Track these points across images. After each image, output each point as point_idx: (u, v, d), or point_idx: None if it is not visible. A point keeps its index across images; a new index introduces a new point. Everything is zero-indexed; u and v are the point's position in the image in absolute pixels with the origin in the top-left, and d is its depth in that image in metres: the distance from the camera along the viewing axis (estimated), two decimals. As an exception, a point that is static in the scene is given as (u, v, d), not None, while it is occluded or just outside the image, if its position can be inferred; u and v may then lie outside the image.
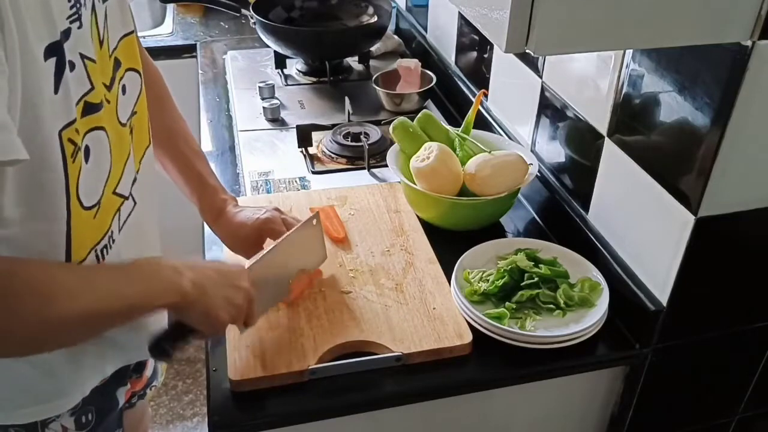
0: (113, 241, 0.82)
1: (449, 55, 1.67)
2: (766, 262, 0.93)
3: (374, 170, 1.38)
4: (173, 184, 1.04)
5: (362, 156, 1.38)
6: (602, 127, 1.02)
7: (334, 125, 1.48)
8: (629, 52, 0.93)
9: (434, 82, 1.61)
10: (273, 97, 1.63)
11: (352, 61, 1.87)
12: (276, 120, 1.56)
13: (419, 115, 1.24)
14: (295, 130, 1.43)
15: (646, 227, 0.94)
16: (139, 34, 0.89)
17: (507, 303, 0.97)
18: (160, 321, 0.85)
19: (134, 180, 0.86)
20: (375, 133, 1.44)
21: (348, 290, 1.01)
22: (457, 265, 1.02)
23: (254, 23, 1.71)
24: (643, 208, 0.94)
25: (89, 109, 0.72)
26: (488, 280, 1.00)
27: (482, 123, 1.38)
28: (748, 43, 0.71)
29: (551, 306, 0.97)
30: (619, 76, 0.96)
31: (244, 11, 1.78)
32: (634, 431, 1.06)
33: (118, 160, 0.80)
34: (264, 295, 0.88)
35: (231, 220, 1.01)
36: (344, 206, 1.21)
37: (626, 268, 0.99)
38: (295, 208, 1.19)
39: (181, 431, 1.97)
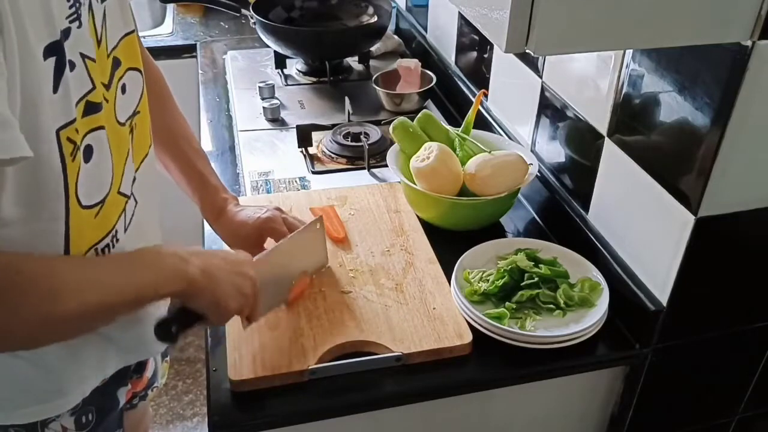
0: (117, 240, 0.82)
1: (449, 55, 1.67)
2: (766, 262, 0.93)
3: (374, 170, 1.38)
4: (173, 183, 1.04)
5: (362, 156, 1.38)
6: (602, 127, 1.02)
7: (334, 125, 1.48)
8: (629, 52, 0.93)
9: (434, 82, 1.61)
10: (273, 97, 1.63)
11: (352, 61, 1.87)
12: (276, 120, 1.56)
13: (419, 115, 1.24)
14: (295, 130, 1.43)
15: (646, 227, 0.94)
16: (140, 34, 0.89)
17: (507, 303, 0.97)
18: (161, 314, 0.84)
19: (134, 179, 0.86)
20: (375, 133, 1.44)
21: (348, 290, 1.01)
22: (457, 265, 1.02)
23: (254, 23, 1.71)
24: (643, 208, 0.94)
25: (90, 108, 0.72)
26: (488, 280, 1.00)
27: (482, 123, 1.38)
28: (748, 43, 0.71)
29: (551, 306, 0.97)
30: (619, 76, 0.96)
31: (244, 11, 1.78)
32: (634, 431, 1.06)
33: (118, 160, 0.80)
34: (266, 295, 0.88)
35: (232, 220, 1.01)
36: (344, 206, 1.21)
37: (626, 268, 0.99)
38: (295, 208, 1.19)
39: (181, 431, 1.98)
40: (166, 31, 2.09)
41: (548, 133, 1.20)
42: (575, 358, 0.93)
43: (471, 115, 1.26)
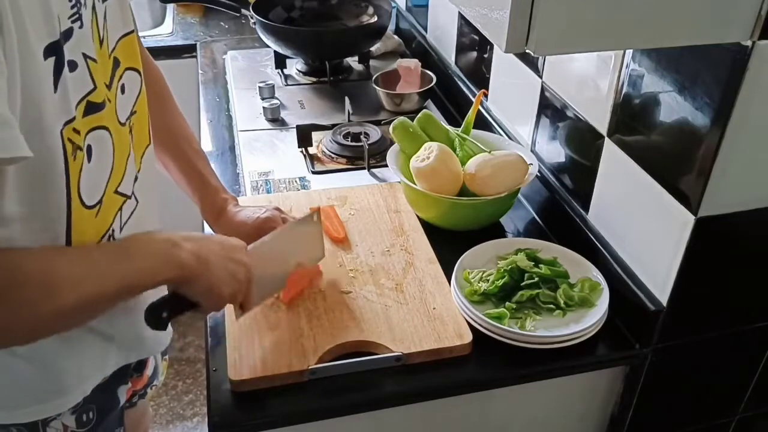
0: (113, 240, 0.82)
1: (449, 55, 1.67)
2: (766, 262, 0.93)
3: (374, 170, 1.38)
4: (173, 184, 1.04)
5: (362, 156, 1.38)
6: (602, 127, 1.02)
7: (334, 125, 1.48)
8: (629, 52, 0.93)
9: (434, 82, 1.61)
10: (273, 97, 1.63)
11: (352, 61, 1.87)
12: (276, 120, 1.56)
13: (419, 115, 1.24)
14: (295, 130, 1.43)
15: (646, 227, 0.94)
16: (140, 34, 0.89)
17: (507, 303, 0.97)
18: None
19: (135, 179, 0.86)
20: (375, 133, 1.44)
21: (348, 290, 1.01)
22: (457, 265, 1.02)
23: (254, 23, 1.71)
24: (643, 208, 0.94)
25: (91, 108, 0.72)
26: (488, 280, 1.00)
27: (482, 123, 1.38)
28: (748, 43, 0.71)
29: (551, 306, 0.97)
30: (619, 76, 0.96)
31: (244, 11, 1.78)
32: (634, 431, 1.06)
33: (119, 160, 0.80)
34: (260, 284, 0.88)
35: (231, 220, 1.01)
36: (344, 206, 1.21)
37: (626, 268, 0.99)
38: (295, 208, 1.19)
39: (181, 431, 1.98)
40: (166, 31, 2.09)
41: (548, 133, 1.20)
42: (575, 358, 0.93)
43: (471, 115, 1.26)
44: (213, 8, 1.91)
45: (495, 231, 1.18)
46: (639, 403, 1.02)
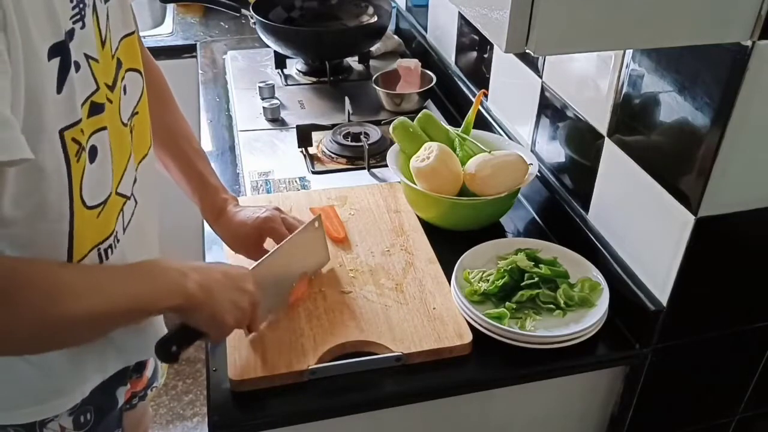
0: (118, 241, 0.82)
1: (449, 55, 1.67)
2: (766, 262, 0.93)
3: (374, 170, 1.38)
4: (173, 184, 1.04)
5: (362, 156, 1.38)
6: (602, 127, 1.02)
7: (334, 125, 1.48)
8: (629, 52, 0.93)
9: (434, 82, 1.61)
10: (273, 97, 1.63)
11: (352, 61, 1.87)
12: (276, 120, 1.56)
13: (419, 115, 1.24)
14: (295, 130, 1.43)
15: (646, 227, 0.94)
16: (140, 34, 0.89)
17: (507, 303, 0.97)
18: (161, 322, 0.85)
19: (134, 180, 0.86)
20: (375, 133, 1.44)
21: (348, 290, 1.01)
22: (457, 265, 1.02)
23: (254, 23, 1.71)
24: (643, 208, 0.94)
25: (95, 109, 0.72)
26: (488, 280, 1.00)
27: (482, 123, 1.38)
28: (748, 43, 0.71)
29: (551, 306, 0.97)
30: (619, 76, 0.96)
31: (244, 11, 1.78)
32: (634, 431, 1.06)
33: (120, 160, 0.80)
34: (266, 299, 0.88)
35: (231, 220, 1.01)
36: (344, 206, 1.21)
37: (626, 268, 0.99)
38: (295, 208, 1.19)
39: (181, 431, 1.97)
40: (166, 31, 2.09)
41: (548, 133, 1.20)
42: (575, 358, 0.93)
43: (471, 115, 1.26)
44: (213, 8, 1.91)
45: (495, 231, 1.18)
46: (639, 403, 1.02)
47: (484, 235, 1.11)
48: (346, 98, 1.53)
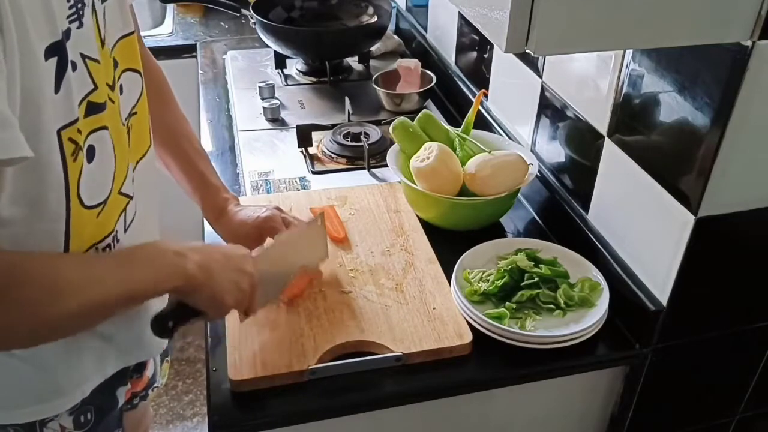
0: (117, 240, 0.82)
1: (449, 55, 1.67)
2: (766, 262, 0.93)
3: (374, 170, 1.38)
4: (173, 183, 1.04)
5: (362, 156, 1.38)
6: (602, 127, 1.02)
7: (334, 125, 1.48)
8: (629, 52, 0.93)
9: (434, 82, 1.61)
10: (273, 97, 1.63)
11: (352, 61, 1.87)
12: (276, 120, 1.56)
13: (419, 115, 1.24)
14: (295, 130, 1.43)
15: (646, 227, 0.94)
16: (140, 34, 0.89)
17: (507, 303, 0.97)
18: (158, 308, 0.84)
19: (133, 179, 0.86)
20: (375, 133, 1.44)
21: (348, 290, 1.01)
22: (457, 265, 1.02)
23: (254, 23, 1.71)
24: (643, 208, 0.94)
25: (93, 109, 0.72)
26: (488, 280, 1.00)
27: (482, 123, 1.38)
28: (748, 43, 0.71)
29: (551, 306, 0.97)
30: (619, 76, 0.96)
31: (244, 11, 1.78)
32: (634, 431, 1.06)
33: (121, 160, 0.80)
34: (265, 288, 0.88)
35: (232, 219, 1.01)
36: (344, 206, 1.21)
37: (626, 268, 0.99)
38: (295, 208, 1.19)
39: (181, 431, 1.98)
40: (166, 31, 2.09)
41: (548, 133, 1.20)
42: (575, 358, 0.93)
43: (471, 115, 1.26)
44: (213, 8, 1.91)
45: (495, 231, 1.18)
46: (639, 403, 1.02)
47: (484, 235, 1.11)
48: (346, 98, 1.53)
